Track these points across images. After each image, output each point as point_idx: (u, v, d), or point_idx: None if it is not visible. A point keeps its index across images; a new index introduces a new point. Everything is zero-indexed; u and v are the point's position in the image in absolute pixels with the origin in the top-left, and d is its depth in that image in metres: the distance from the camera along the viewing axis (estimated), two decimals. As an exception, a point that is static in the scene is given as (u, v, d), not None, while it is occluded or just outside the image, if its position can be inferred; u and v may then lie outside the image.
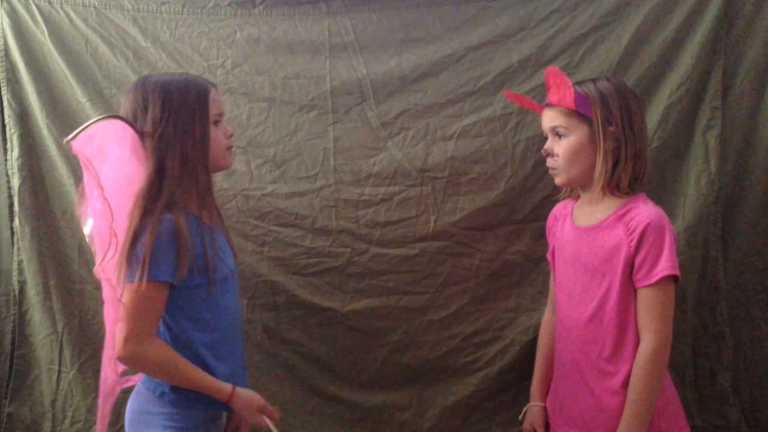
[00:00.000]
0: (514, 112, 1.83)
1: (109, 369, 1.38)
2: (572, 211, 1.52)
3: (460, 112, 1.85)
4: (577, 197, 1.53)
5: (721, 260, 1.80)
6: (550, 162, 1.46)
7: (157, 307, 1.28)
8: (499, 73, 1.83)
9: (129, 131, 1.30)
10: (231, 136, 1.45)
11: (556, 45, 1.82)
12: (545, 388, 1.61)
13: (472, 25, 1.84)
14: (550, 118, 1.44)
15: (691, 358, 1.81)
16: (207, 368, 1.34)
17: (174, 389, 1.32)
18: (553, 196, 1.81)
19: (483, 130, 1.84)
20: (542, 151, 1.47)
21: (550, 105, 1.44)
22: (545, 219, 1.81)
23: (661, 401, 1.35)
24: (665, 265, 1.30)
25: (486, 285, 1.86)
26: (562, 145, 1.41)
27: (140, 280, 1.23)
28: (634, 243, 1.33)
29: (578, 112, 1.38)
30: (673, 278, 1.33)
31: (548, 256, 1.61)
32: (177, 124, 1.31)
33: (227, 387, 1.33)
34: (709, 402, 1.82)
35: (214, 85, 1.42)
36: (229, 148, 1.44)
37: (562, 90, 1.39)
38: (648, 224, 1.32)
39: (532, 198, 1.83)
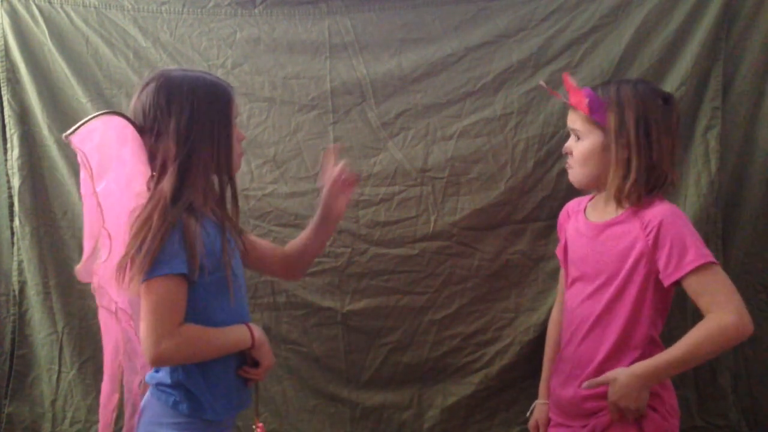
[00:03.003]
0: (514, 112, 1.83)
1: (118, 376, 1.33)
2: (586, 207, 1.52)
3: (460, 112, 1.85)
4: (593, 195, 1.53)
5: (721, 260, 1.80)
6: (569, 160, 1.47)
7: (179, 301, 1.22)
8: (499, 73, 1.83)
9: (129, 129, 1.26)
10: (242, 140, 1.42)
11: (556, 45, 1.82)
12: None
13: (472, 25, 1.85)
14: (571, 119, 1.45)
15: (691, 358, 1.81)
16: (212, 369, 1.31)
17: (188, 397, 1.27)
18: (552, 196, 1.81)
19: (483, 130, 1.84)
20: (563, 149, 1.48)
21: (571, 106, 1.45)
22: (545, 219, 1.81)
23: (664, 404, 1.35)
24: (697, 253, 1.29)
25: (486, 285, 1.86)
26: (578, 147, 1.42)
27: (157, 275, 1.19)
28: (651, 237, 1.32)
29: (593, 119, 1.39)
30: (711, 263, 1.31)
31: (558, 252, 1.59)
32: (204, 128, 1.27)
33: (245, 333, 1.31)
34: (709, 402, 1.82)
35: (233, 88, 1.37)
36: (240, 153, 1.40)
37: (578, 96, 1.40)
38: (663, 219, 1.31)
39: (532, 198, 1.83)
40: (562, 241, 1.57)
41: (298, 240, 1.53)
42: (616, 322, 1.36)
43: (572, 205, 1.59)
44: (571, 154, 1.44)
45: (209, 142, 1.28)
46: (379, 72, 1.86)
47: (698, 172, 1.78)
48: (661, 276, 1.33)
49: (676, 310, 1.67)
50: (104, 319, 1.34)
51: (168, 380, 1.28)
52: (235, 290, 1.35)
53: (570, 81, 1.42)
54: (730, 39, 1.78)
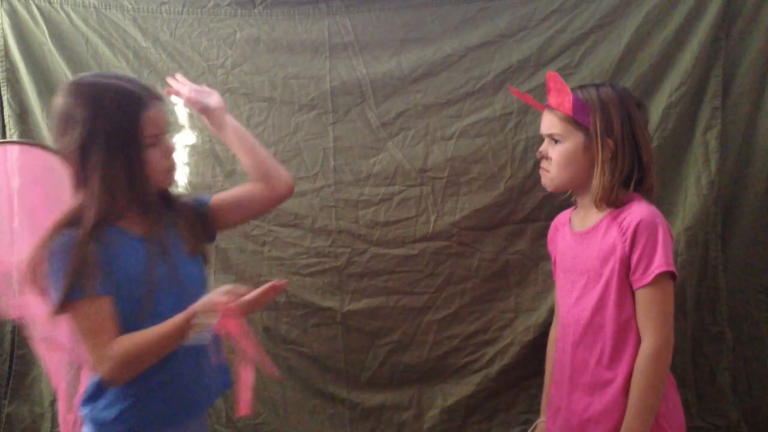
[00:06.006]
0: (514, 112, 1.83)
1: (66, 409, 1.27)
2: (570, 218, 1.52)
3: (460, 112, 1.85)
4: (576, 205, 1.52)
5: (721, 260, 1.80)
6: (544, 164, 1.44)
7: (103, 319, 1.12)
8: (498, 73, 1.83)
9: (53, 160, 1.18)
10: (172, 153, 1.24)
11: (556, 45, 1.82)
12: None
13: (472, 25, 1.85)
14: (547, 125, 1.42)
15: (691, 358, 1.81)
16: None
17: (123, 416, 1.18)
18: (553, 196, 1.81)
19: (483, 130, 1.84)
20: (537, 154, 1.46)
21: (549, 107, 1.43)
22: (545, 219, 1.81)
23: (664, 406, 1.34)
24: (660, 262, 1.28)
25: (486, 285, 1.86)
26: (557, 149, 1.40)
27: (69, 301, 1.10)
28: (627, 243, 1.31)
29: (575, 119, 1.38)
30: (670, 276, 1.31)
31: (553, 268, 1.60)
32: (104, 138, 1.14)
33: (178, 319, 1.12)
34: (709, 402, 1.82)
35: (159, 98, 1.21)
36: (169, 169, 1.24)
37: (562, 95, 1.38)
38: (639, 222, 1.30)
39: (532, 198, 1.83)
40: (553, 257, 1.57)
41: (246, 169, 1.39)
42: (605, 327, 1.35)
43: (558, 219, 1.58)
44: (548, 158, 1.42)
45: (110, 153, 1.15)
46: (378, 72, 1.86)
47: (698, 172, 1.78)
48: (630, 279, 1.32)
49: (677, 310, 1.66)
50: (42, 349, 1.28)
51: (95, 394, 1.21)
52: (175, 305, 1.18)
53: (557, 79, 1.38)
54: (730, 39, 1.78)
